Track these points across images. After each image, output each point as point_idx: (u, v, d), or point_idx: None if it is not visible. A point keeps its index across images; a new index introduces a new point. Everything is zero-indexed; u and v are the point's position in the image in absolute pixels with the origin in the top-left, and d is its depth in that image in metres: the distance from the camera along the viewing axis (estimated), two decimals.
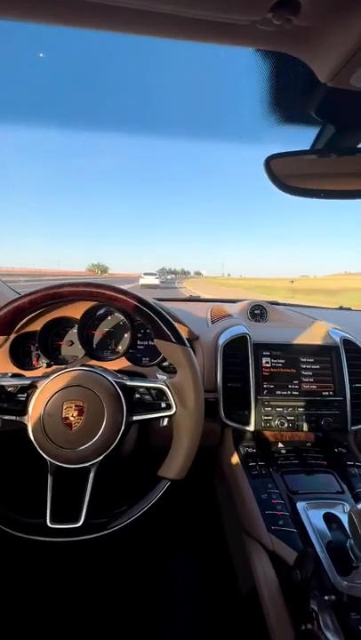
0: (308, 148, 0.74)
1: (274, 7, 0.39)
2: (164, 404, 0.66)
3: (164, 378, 0.70)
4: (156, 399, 0.68)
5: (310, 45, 0.48)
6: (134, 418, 0.65)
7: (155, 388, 0.68)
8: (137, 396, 0.69)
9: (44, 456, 0.62)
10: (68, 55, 0.64)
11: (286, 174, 0.70)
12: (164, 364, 0.98)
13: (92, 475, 0.63)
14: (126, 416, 0.64)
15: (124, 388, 0.66)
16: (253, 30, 0.45)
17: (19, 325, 0.70)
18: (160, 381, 0.68)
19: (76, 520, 0.61)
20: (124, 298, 0.67)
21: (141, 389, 0.69)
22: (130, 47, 0.63)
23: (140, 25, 0.48)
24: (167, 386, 0.66)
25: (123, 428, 0.64)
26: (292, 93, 0.66)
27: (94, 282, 0.68)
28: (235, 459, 0.87)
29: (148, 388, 0.68)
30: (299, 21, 0.41)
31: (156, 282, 24.45)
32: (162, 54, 0.66)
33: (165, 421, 0.67)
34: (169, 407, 0.65)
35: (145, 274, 26.91)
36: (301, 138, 0.75)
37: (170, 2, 0.42)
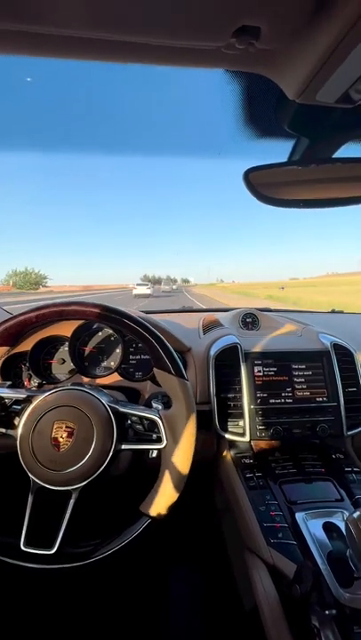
0: (285, 159, 0.77)
1: (235, 33, 0.41)
2: (155, 436, 0.65)
3: (160, 408, 0.68)
4: (148, 430, 0.67)
5: (276, 66, 0.50)
6: (123, 446, 0.64)
7: (147, 419, 0.66)
8: (128, 422, 0.68)
9: (28, 473, 0.61)
10: (38, 82, 0.67)
11: (265, 186, 0.71)
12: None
13: (72, 500, 0.61)
14: (115, 443, 0.63)
15: (117, 413, 0.65)
16: (220, 54, 0.47)
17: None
18: (154, 412, 0.66)
19: (50, 547, 0.59)
20: (129, 323, 0.67)
21: (134, 418, 0.67)
22: (108, 74, 0.65)
23: (114, 54, 0.50)
24: (160, 418, 0.65)
25: (111, 455, 0.62)
26: (265, 110, 0.68)
27: (103, 304, 0.69)
28: (231, 470, 0.86)
29: (140, 418, 0.67)
30: (261, 45, 0.43)
31: (148, 291, 25.76)
32: (138, 79, 0.69)
33: (155, 453, 0.66)
34: (159, 440, 0.64)
35: (138, 284, 28.22)
36: (278, 150, 0.77)
37: (138, 32, 0.44)
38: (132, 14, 0.40)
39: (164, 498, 0.62)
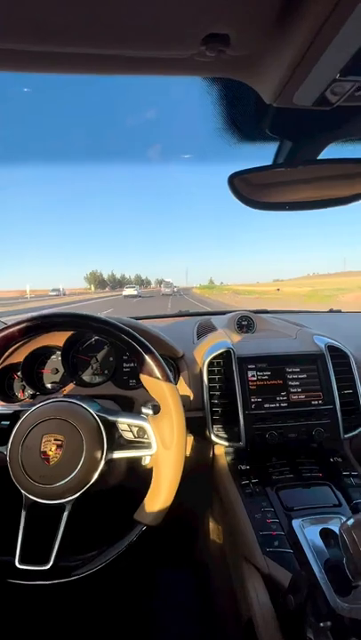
0: (269, 163, 0.76)
1: (203, 42, 0.41)
2: (145, 443, 0.65)
3: (149, 413, 0.67)
4: (138, 436, 0.66)
5: (250, 70, 0.50)
6: (115, 455, 0.64)
7: (136, 425, 0.66)
8: (119, 431, 0.67)
9: (20, 489, 0.61)
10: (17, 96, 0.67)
11: (250, 190, 0.71)
12: None
13: (65, 513, 0.61)
14: (106, 452, 0.62)
15: (105, 422, 0.65)
16: (193, 62, 0.47)
17: (4, 356, 0.70)
18: (142, 418, 0.66)
19: (46, 562, 0.58)
20: (108, 328, 0.66)
21: (123, 425, 0.67)
22: (91, 87, 0.66)
23: (87, 66, 0.50)
24: (148, 423, 0.65)
25: (101, 465, 0.62)
26: (245, 115, 0.68)
27: (82, 312, 0.68)
28: (227, 477, 0.85)
29: (129, 425, 0.66)
30: (232, 51, 0.43)
31: (135, 292, 30.92)
32: (119, 91, 0.69)
33: (147, 460, 0.65)
34: (150, 446, 0.64)
35: (127, 287, 33.32)
36: (262, 154, 0.77)
37: (110, 45, 0.44)
38: (104, 28, 0.40)
39: (157, 504, 0.62)
